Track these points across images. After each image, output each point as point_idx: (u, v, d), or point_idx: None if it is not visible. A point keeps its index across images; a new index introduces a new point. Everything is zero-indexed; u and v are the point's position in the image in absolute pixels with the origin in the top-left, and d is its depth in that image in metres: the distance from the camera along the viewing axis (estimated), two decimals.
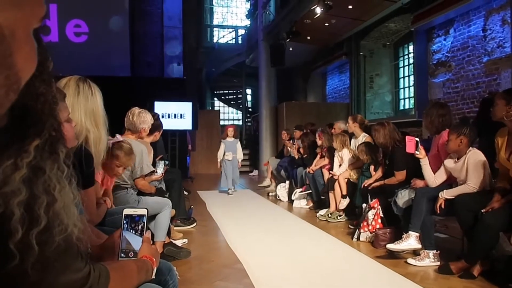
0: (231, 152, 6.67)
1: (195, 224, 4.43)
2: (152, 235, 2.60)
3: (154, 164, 3.43)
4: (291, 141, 6.79)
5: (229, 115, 17.79)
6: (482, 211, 2.62)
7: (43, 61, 0.57)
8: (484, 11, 6.11)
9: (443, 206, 2.97)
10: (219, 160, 6.73)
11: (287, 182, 6.45)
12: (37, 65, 0.52)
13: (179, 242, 3.59)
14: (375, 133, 3.88)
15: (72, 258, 0.75)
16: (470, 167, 2.91)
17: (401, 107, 9.15)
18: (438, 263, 3.00)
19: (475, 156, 2.94)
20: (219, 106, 17.00)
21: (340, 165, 4.91)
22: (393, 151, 3.77)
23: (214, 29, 17.40)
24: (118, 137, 2.49)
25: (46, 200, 0.62)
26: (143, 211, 1.26)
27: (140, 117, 3.10)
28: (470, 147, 2.98)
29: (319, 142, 5.55)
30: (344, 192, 4.70)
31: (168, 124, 8.30)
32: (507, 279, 2.48)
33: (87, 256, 0.80)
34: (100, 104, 1.85)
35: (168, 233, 3.29)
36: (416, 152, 3.16)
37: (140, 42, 11.13)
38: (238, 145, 6.85)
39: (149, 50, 11.32)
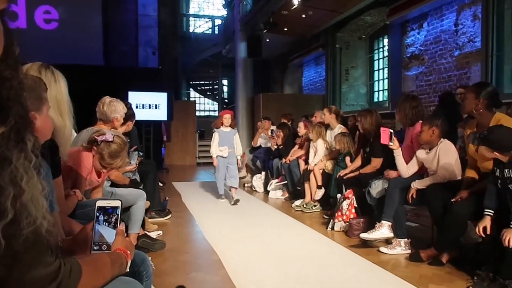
0: (226, 146, 5.26)
1: (170, 215, 4.39)
2: (126, 227, 2.56)
3: (128, 155, 3.37)
4: (270, 133, 6.73)
5: (205, 106, 17.65)
6: (452, 200, 2.71)
7: (9, 46, 0.54)
8: (457, 5, 6.27)
9: (414, 196, 3.06)
10: (214, 156, 5.32)
11: (263, 173, 6.47)
12: (2, 50, 0.49)
13: (153, 234, 3.55)
14: (361, 118, 3.93)
15: (41, 252, 0.72)
16: (441, 158, 3.00)
17: (376, 99, 9.31)
18: (409, 251, 3.08)
19: (446, 147, 3.03)
20: (195, 97, 16.82)
21: (314, 155, 4.98)
22: (374, 139, 3.85)
23: (190, 18, 17.14)
24: (109, 135, 2.26)
25: (13, 191, 0.59)
26: (117, 203, 1.23)
27: (111, 106, 3.01)
28: (442, 139, 3.06)
29: (302, 132, 5.57)
30: (320, 183, 4.77)
31: (142, 115, 8.17)
32: (474, 265, 2.58)
33: (57, 250, 0.78)
34: (65, 92, 1.76)
35: (143, 225, 3.25)
36: (390, 143, 3.23)
37: (113, 30, 10.84)
38: (237, 137, 5.45)
39: (123, 39, 11.05)
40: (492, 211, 2.39)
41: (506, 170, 2.31)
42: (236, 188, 5.33)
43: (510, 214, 2.23)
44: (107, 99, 3.05)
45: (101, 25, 10.32)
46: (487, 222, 2.37)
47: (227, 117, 5.31)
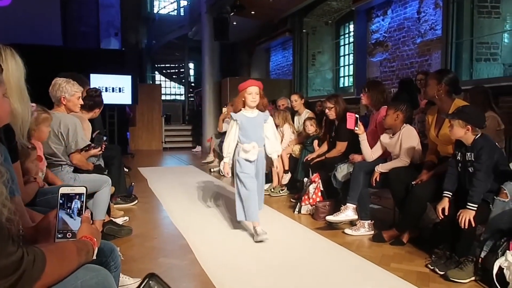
0: (254, 142, 3.20)
1: (136, 201, 4.32)
2: (92, 214, 2.50)
3: (92, 141, 3.26)
4: None
5: (171, 89, 17.29)
6: (413, 183, 2.82)
7: None
8: None
9: (378, 179, 3.16)
10: (226, 162, 3.31)
11: None
12: None
13: (120, 220, 3.49)
14: (335, 105, 3.96)
15: (2, 242, 0.69)
16: (403, 142, 3.11)
17: (341, 85, 9.46)
18: (372, 232, 3.21)
19: (408, 132, 3.13)
20: (160, 80, 16.42)
21: (281, 140, 5.02)
22: (340, 123, 3.93)
23: None
24: None
25: None
26: (81, 190, 1.19)
27: (55, 86, 2.85)
28: (405, 124, 3.16)
29: None
30: (286, 167, 4.83)
31: (106, 98, 7.88)
32: (432, 244, 2.72)
33: (19, 239, 0.75)
34: (14, 74, 1.64)
35: (108, 212, 3.18)
36: (356, 128, 3.30)
37: (72, 10, 10.34)
38: (270, 125, 3.37)
39: (83, 19, 10.56)
40: (451, 193, 2.51)
41: (468, 153, 2.42)
42: (260, 209, 3.34)
43: (467, 196, 2.35)
44: (57, 80, 2.90)
45: (58, 3, 9.80)
46: (445, 203, 2.49)
47: (253, 91, 3.36)
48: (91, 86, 4.02)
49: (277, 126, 5.08)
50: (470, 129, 2.38)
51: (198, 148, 10.76)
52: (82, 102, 3.00)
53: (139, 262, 2.61)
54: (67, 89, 2.84)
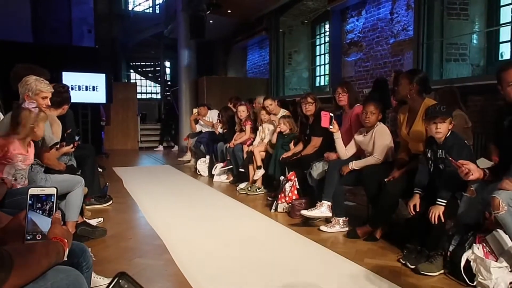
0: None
1: (111, 202, 4.24)
2: (63, 215, 2.45)
3: (63, 140, 3.18)
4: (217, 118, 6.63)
5: (147, 88, 17.04)
6: (385, 180, 2.89)
7: None
8: None
9: (345, 173, 3.23)
10: None
11: (207, 157, 6.44)
12: None
13: (94, 221, 3.42)
14: (310, 104, 4.02)
15: None
16: (377, 140, 3.17)
17: (317, 84, 9.57)
18: (347, 228, 3.27)
19: (381, 130, 3.21)
20: (135, 79, 16.16)
21: (261, 139, 5.05)
22: (314, 120, 3.97)
23: None
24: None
25: None
26: (52, 190, 1.17)
27: (22, 81, 2.78)
28: (378, 122, 3.23)
29: (243, 115, 5.56)
30: (259, 163, 4.85)
31: (78, 97, 7.71)
32: (404, 239, 2.80)
33: None
34: None
35: (81, 213, 3.11)
36: (330, 126, 3.35)
37: (43, 4, 10.01)
38: None
39: (54, 14, 10.26)
40: (421, 190, 2.59)
41: (440, 151, 2.50)
42: None
43: (437, 192, 2.43)
44: (26, 77, 2.80)
45: None
46: (416, 200, 2.56)
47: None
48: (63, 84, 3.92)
49: (260, 125, 5.12)
50: (452, 124, 2.48)
51: (160, 148, 10.73)
52: (49, 103, 2.87)
53: (114, 263, 2.58)
54: (31, 87, 2.74)
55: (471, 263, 2.19)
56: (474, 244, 2.22)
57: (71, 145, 2.99)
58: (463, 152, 2.45)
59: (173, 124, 11.15)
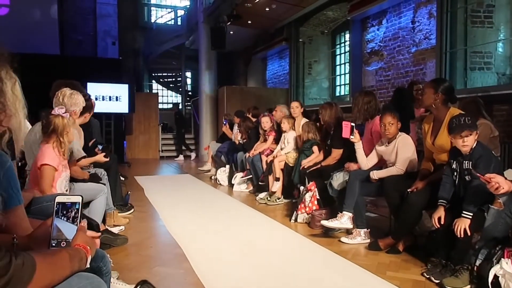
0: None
1: (132, 210, 4.30)
2: (89, 224, 2.51)
3: (86, 148, 3.26)
4: (237, 128, 6.64)
5: (168, 98, 17.32)
6: (408, 191, 2.83)
7: None
8: (414, 3, 6.50)
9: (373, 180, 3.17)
10: None
11: (227, 166, 6.47)
12: None
13: (115, 229, 3.47)
14: (322, 111, 4.02)
15: None
16: (399, 150, 3.12)
17: (337, 94, 9.51)
18: (368, 240, 3.20)
19: (404, 140, 3.15)
20: (157, 89, 16.46)
21: (282, 148, 5.04)
22: (335, 131, 3.94)
23: (152, 8, 16.66)
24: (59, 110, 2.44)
25: None
26: (77, 199, 1.20)
27: (71, 99, 2.89)
28: (400, 132, 3.18)
29: (267, 126, 5.56)
30: (278, 175, 4.82)
31: (102, 107, 7.92)
32: (428, 253, 2.72)
33: (9, 246, 0.75)
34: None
35: (104, 220, 3.17)
36: (351, 136, 3.32)
37: (70, 18, 10.37)
38: None
39: (80, 27, 10.60)
40: (446, 202, 2.52)
41: (466, 162, 2.44)
42: None
43: (462, 204, 2.36)
44: (67, 91, 2.92)
45: (56, 12, 9.84)
46: (441, 212, 2.48)
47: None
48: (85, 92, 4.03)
49: (283, 132, 5.10)
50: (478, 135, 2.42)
51: (181, 157, 10.76)
52: (77, 117, 3.01)
53: (134, 271, 2.60)
54: (80, 102, 2.90)
55: (499, 278, 2.11)
56: (502, 259, 2.14)
57: (104, 154, 3.10)
58: (490, 164, 2.37)
59: (185, 132, 11.19)
